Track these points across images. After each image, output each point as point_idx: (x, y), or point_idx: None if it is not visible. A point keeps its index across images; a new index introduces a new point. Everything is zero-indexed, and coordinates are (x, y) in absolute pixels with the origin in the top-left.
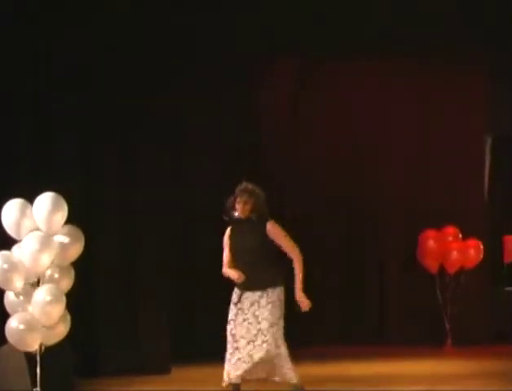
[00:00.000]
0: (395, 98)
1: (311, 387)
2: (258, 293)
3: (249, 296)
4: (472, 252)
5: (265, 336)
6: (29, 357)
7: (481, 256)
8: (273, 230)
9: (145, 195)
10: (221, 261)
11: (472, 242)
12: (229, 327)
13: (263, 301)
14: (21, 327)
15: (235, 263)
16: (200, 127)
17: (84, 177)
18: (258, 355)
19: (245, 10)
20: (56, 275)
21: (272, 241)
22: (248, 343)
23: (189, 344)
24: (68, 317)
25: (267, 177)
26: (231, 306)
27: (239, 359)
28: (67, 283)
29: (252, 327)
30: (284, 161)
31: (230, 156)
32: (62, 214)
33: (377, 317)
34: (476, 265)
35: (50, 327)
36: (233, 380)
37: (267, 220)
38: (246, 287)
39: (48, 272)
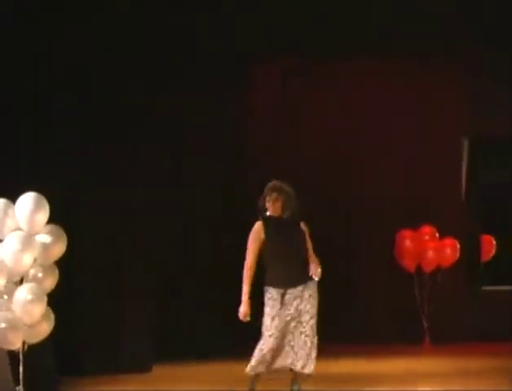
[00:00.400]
0: (364, 104)
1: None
2: (299, 288)
3: (293, 291)
4: (448, 251)
5: (304, 327)
6: (12, 355)
7: (457, 255)
8: (304, 229)
9: (139, 195)
10: (205, 261)
11: (448, 241)
12: (273, 324)
13: (306, 294)
14: (3, 325)
15: (273, 260)
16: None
17: (71, 176)
18: (298, 346)
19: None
20: (40, 274)
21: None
22: (292, 333)
23: (170, 343)
24: (52, 315)
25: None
26: (272, 302)
27: (283, 351)
28: (51, 281)
29: (293, 321)
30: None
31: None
32: (44, 214)
33: (355, 316)
34: (453, 264)
35: (32, 326)
36: (268, 369)
37: (300, 218)
38: (290, 283)
39: (32, 271)
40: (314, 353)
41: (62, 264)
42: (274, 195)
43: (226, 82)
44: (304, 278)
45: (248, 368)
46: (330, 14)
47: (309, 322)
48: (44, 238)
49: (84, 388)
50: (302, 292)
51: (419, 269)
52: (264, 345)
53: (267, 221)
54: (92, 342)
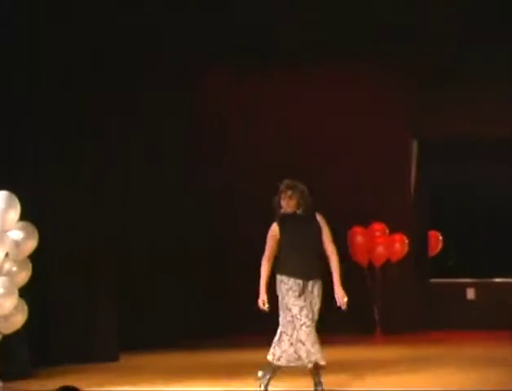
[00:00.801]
0: (323, 105)
1: (243, 373)
2: (310, 283)
3: (306, 284)
4: (398, 246)
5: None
6: None
7: (406, 249)
8: (322, 220)
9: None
10: (166, 253)
11: (397, 237)
12: (303, 313)
13: (316, 291)
14: None
15: (289, 255)
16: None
17: (43, 175)
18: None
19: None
20: (14, 268)
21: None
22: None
23: (137, 333)
24: (25, 307)
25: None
26: (292, 293)
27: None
28: (24, 275)
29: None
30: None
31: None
32: (15, 212)
33: None
34: (402, 258)
35: (4, 318)
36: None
37: (314, 212)
38: (305, 276)
39: (6, 266)
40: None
41: (36, 259)
42: (289, 192)
43: (183, 82)
44: (316, 274)
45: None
46: (282, 20)
47: (315, 320)
48: (16, 234)
49: (53, 379)
50: (312, 287)
51: (370, 263)
52: (300, 336)
53: (283, 220)
54: (61, 333)
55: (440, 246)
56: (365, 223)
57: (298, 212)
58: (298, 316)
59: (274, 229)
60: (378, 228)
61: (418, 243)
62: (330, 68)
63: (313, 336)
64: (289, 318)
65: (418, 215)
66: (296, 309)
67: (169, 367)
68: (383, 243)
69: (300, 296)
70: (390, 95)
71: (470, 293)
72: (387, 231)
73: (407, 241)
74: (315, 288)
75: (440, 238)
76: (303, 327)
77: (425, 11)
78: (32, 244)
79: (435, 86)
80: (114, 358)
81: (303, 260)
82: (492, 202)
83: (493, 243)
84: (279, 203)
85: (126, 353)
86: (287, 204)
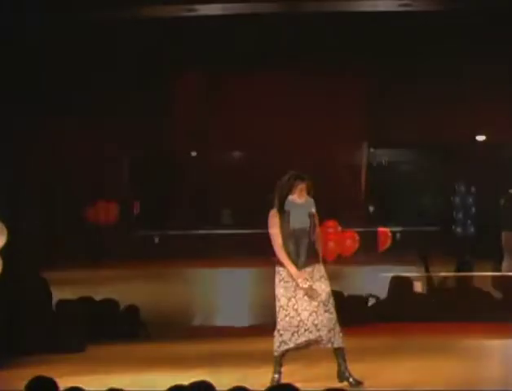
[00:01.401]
0: (282, 110)
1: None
2: (308, 270)
3: (303, 272)
4: (348, 242)
5: (326, 305)
6: None
7: (357, 245)
8: (315, 213)
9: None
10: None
11: (349, 233)
12: (290, 303)
13: (316, 275)
14: None
15: (288, 242)
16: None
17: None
18: (322, 324)
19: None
20: None
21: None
22: (310, 314)
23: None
24: None
25: None
26: (284, 284)
27: (305, 330)
28: None
29: (312, 299)
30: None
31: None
32: None
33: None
34: (353, 253)
35: None
36: (289, 347)
37: (312, 203)
38: (303, 264)
39: None
40: (338, 327)
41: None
42: (303, 183)
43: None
44: (314, 259)
45: (274, 352)
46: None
47: (329, 300)
48: None
49: (18, 369)
50: (312, 272)
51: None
52: (280, 325)
53: (282, 207)
54: (28, 324)
55: (389, 242)
56: (319, 220)
57: (304, 201)
58: (285, 307)
59: (275, 215)
60: (331, 225)
61: (367, 240)
62: (287, 75)
63: (293, 327)
64: (277, 308)
65: (369, 213)
66: (284, 300)
67: (135, 358)
68: (334, 240)
69: (292, 286)
70: (347, 101)
71: (417, 286)
72: (339, 228)
73: (357, 237)
74: (315, 273)
75: (389, 234)
76: (287, 318)
77: None
78: (1, 241)
79: (391, 94)
80: (80, 349)
81: (298, 247)
82: (430, 201)
83: (441, 239)
84: (287, 191)
85: (94, 344)
86: (299, 195)
